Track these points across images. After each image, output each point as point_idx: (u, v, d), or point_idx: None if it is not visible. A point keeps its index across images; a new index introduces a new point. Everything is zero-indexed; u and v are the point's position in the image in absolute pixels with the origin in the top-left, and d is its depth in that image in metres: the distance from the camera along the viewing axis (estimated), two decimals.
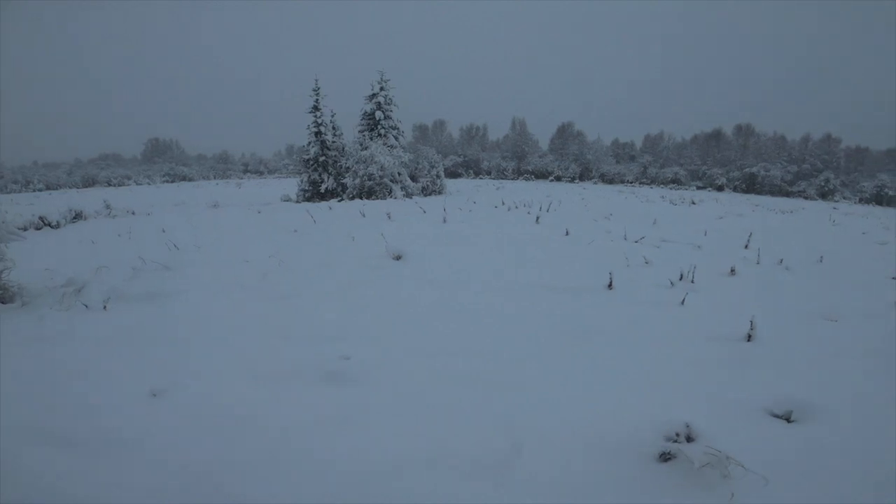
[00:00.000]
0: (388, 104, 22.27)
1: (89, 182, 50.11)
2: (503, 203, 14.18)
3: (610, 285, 4.83)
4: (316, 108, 21.35)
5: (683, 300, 4.43)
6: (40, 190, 44.08)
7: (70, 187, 46.34)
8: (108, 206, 15.61)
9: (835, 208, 30.86)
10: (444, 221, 9.42)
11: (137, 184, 49.96)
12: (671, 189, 48.27)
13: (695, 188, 51.33)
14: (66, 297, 4.28)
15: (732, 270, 5.75)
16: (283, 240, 7.68)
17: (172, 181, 54.22)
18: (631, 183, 55.14)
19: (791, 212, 21.55)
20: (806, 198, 47.49)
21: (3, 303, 4.29)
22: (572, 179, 56.19)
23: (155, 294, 4.42)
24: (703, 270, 5.51)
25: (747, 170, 52.68)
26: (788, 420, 2.63)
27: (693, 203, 21.91)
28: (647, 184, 54.96)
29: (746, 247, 7.91)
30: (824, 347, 3.67)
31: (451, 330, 3.69)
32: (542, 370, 3.09)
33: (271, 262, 5.93)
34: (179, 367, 3.00)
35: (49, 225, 12.25)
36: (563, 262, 5.94)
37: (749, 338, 3.68)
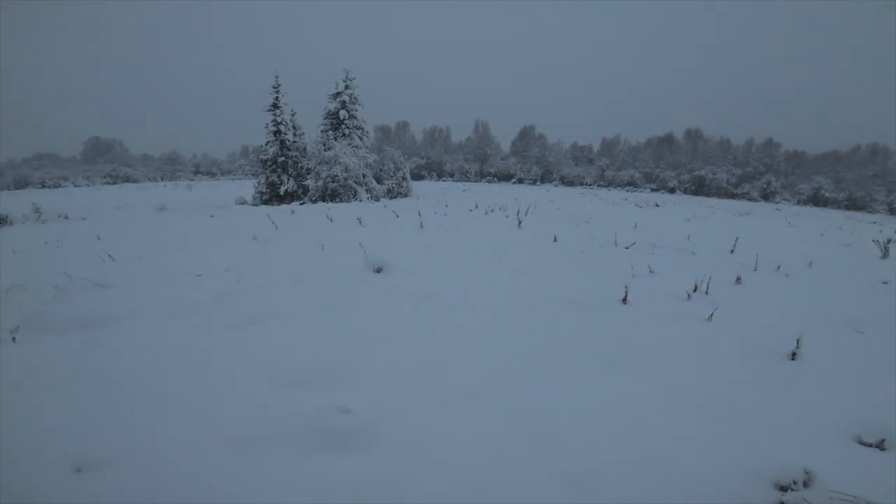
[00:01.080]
0: (353, 103, 21.36)
1: (21, 183, 46.00)
2: (477, 206, 13.68)
3: (625, 299, 4.35)
4: (275, 107, 20.16)
5: (711, 316, 4.01)
6: None
7: (0, 189, 42.21)
8: (37, 210, 13.95)
9: (778, 209, 32.56)
10: (421, 227, 8.77)
11: (75, 185, 46.19)
12: (628, 191, 49.79)
13: (649, 190, 53.22)
14: None
15: (739, 279, 5.44)
16: (241, 249, 6.80)
17: (114, 182, 50.56)
18: (590, 185, 56.55)
19: (747, 214, 22.33)
20: (750, 199, 50.13)
21: None
22: (534, 182, 56.91)
23: (85, 322, 3.54)
24: (708, 279, 5.16)
25: (696, 173, 55.13)
26: (881, 448, 2.33)
27: (657, 206, 22.29)
28: (605, 186, 56.53)
29: (732, 251, 7.75)
30: (866, 362, 3.35)
31: (466, 362, 3.07)
32: (587, 407, 2.55)
33: (229, 276, 5.10)
34: (115, 427, 2.21)
35: None
36: (564, 273, 5.45)
37: (794, 356, 3.29)
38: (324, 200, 18.52)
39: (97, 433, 2.18)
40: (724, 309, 4.25)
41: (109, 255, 5.88)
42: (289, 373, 2.81)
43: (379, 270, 5.37)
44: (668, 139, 65.43)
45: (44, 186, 44.55)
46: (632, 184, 55.88)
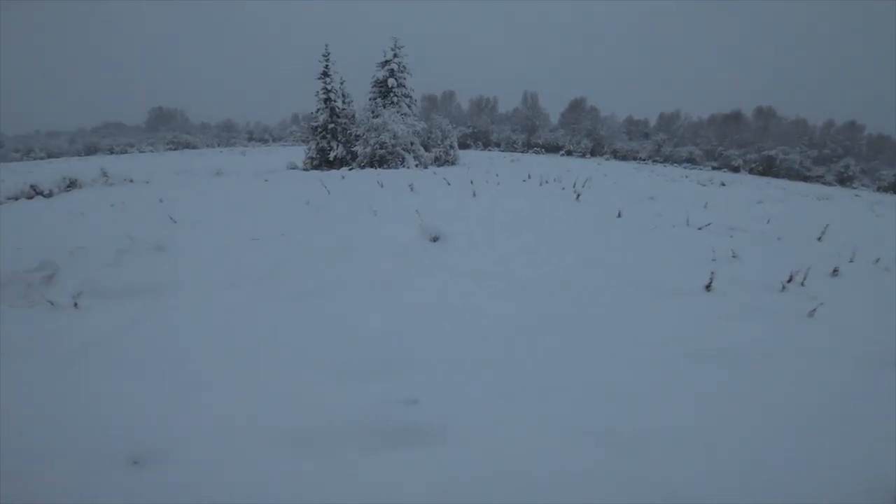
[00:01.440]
0: (402, 71, 20.94)
1: (91, 150, 49.21)
2: (530, 177, 13.09)
3: (708, 286, 3.89)
4: (325, 75, 20.09)
5: (813, 312, 3.49)
6: (41, 158, 43.23)
7: (72, 155, 45.37)
8: (105, 174, 14.63)
9: (857, 195, 29.49)
10: (474, 196, 8.42)
11: (140, 151, 48.83)
12: (686, 168, 46.80)
13: (710, 168, 49.80)
14: (33, 287, 3.38)
15: (835, 271, 4.79)
16: (295, 214, 6.74)
17: (176, 149, 52.99)
18: (644, 160, 53.60)
19: (826, 198, 20.35)
20: (824, 183, 45.88)
21: None
22: (583, 154, 54.61)
23: (140, 288, 3.51)
24: (806, 270, 4.55)
25: (766, 152, 50.95)
26: None
27: (723, 185, 20.70)
28: (661, 161, 53.40)
29: (820, 239, 6.92)
30: None
31: (538, 351, 2.77)
32: (681, 414, 2.20)
33: (284, 243, 5.00)
34: (170, 414, 2.09)
35: (41, 194, 11.32)
36: (635, 254, 4.98)
37: None
38: (371, 166, 18.52)
39: (149, 423, 2.06)
40: (825, 304, 3.71)
41: (171, 218, 5.95)
42: (348, 357, 2.62)
43: (435, 240, 5.11)
44: (736, 116, 60.68)
45: (111, 153, 47.39)
46: (691, 160, 52.57)
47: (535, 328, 3.07)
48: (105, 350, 2.62)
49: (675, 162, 52.75)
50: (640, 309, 3.45)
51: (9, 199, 10.27)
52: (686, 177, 25.90)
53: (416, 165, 18.96)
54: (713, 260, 4.82)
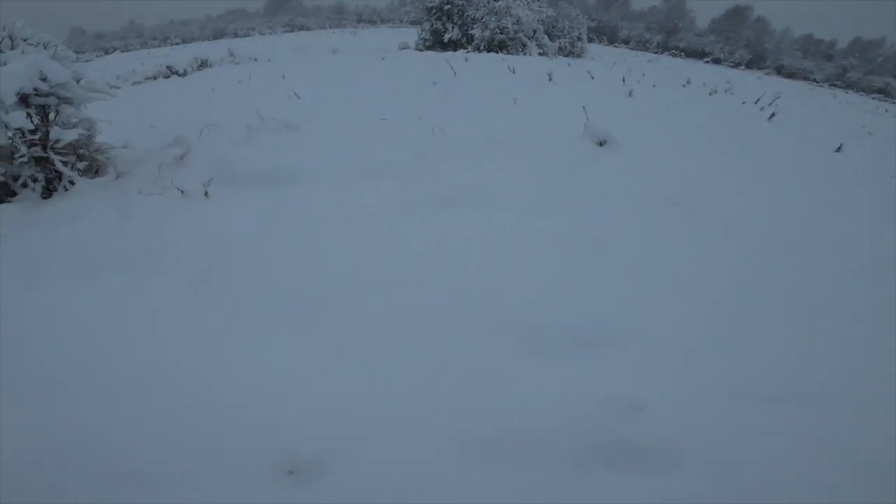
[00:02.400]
0: None
1: (218, 34, 52.14)
2: (689, 82, 10.47)
3: None
4: None
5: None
6: (176, 44, 46.80)
7: (202, 40, 48.35)
8: (231, 55, 14.80)
9: None
10: (630, 95, 6.71)
11: (260, 34, 50.33)
12: (876, 99, 36.13)
13: None
14: (164, 169, 3.02)
15: None
16: (422, 95, 5.82)
17: (292, 31, 53.85)
18: (818, 82, 42.47)
19: None
20: None
21: (90, 177, 3.14)
22: (736, 65, 44.80)
23: (273, 175, 2.97)
24: None
25: None
26: None
27: None
28: (842, 87, 41.88)
29: None
30: None
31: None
32: None
33: (419, 129, 4.18)
34: (331, 382, 1.57)
35: (177, 73, 11.69)
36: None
37: None
38: (489, 51, 16.67)
39: (299, 401, 1.51)
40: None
41: (295, 94, 5.40)
42: (532, 315, 1.89)
43: (602, 144, 3.94)
44: None
45: (236, 36, 49.69)
46: (883, 92, 40.86)
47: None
48: (232, 273, 2.14)
49: (862, 90, 41.10)
50: None
51: (147, 79, 10.69)
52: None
53: (540, 54, 16.78)
54: None
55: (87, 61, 11.88)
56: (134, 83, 10.05)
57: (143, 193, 2.74)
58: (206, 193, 2.69)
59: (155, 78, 10.73)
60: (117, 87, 8.56)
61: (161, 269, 2.11)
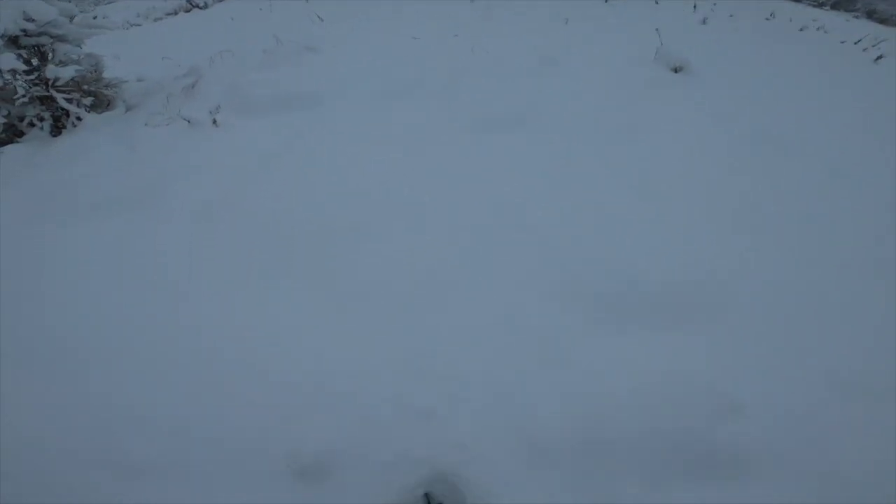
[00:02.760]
0: None
1: None
2: (773, 15, 8.78)
3: None
4: None
5: None
6: None
7: None
8: None
9: None
10: (704, 23, 5.61)
11: None
12: None
13: None
14: (173, 99, 2.71)
15: None
16: (459, 12, 5.13)
17: None
18: None
19: None
20: None
21: (99, 112, 2.91)
22: (820, 5, 37.49)
23: (290, 99, 2.60)
24: None
25: None
26: None
27: None
28: None
29: None
30: None
31: None
32: None
33: (457, 45, 3.63)
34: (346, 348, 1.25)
35: (197, 6, 11.17)
36: None
37: None
38: None
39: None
40: None
41: (318, 16, 4.89)
42: (588, 273, 1.57)
43: (677, 70, 3.21)
44: None
45: None
46: None
47: None
48: (239, 210, 1.83)
49: None
50: None
51: (168, 14, 10.24)
52: None
53: None
54: None
55: (110, 3, 11.54)
56: (155, 20, 9.67)
57: (149, 125, 2.46)
58: (214, 122, 2.37)
59: (175, 13, 10.30)
60: (138, 25, 8.21)
61: (164, 208, 1.85)
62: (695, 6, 5.90)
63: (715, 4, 9.15)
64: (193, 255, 1.64)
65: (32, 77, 2.70)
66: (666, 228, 1.79)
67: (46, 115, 2.76)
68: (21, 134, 2.78)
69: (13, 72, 2.63)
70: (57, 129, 2.79)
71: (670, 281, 1.58)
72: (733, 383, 1.31)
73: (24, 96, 2.65)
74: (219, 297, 1.51)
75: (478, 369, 1.32)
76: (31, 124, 2.76)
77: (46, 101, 2.75)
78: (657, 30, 3.45)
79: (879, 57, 4.28)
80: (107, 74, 3.13)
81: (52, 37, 2.72)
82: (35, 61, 2.73)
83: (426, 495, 1.12)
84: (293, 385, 1.29)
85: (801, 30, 5.27)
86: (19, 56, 2.64)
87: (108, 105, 3.03)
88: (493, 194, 1.93)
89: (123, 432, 1.23)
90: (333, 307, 1.47)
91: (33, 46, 2.70)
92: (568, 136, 2.29)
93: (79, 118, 2.77)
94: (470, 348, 1.38)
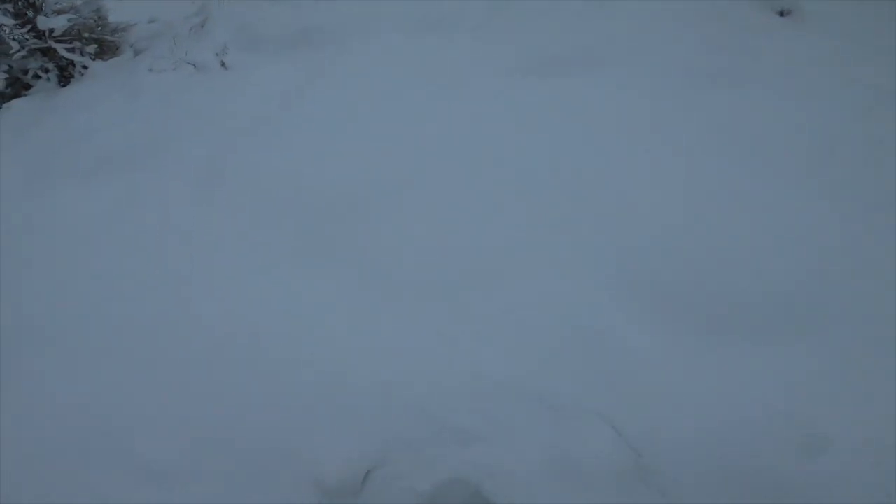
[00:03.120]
0: None
1: None
2: None
3: None
4: None
5: None
6: None
7: None
8: None
9: None
10: None
11: None
12: None
13: None
14: (180, 41, 2.43)
15: None
16: None
17: None
18: None
19: None
20: None
21: (107, 58, 2.69)
22: None
23: (305, 36, 2.24)
24: None
25: None
26: None
27: None
28: None
29: None
30: None
31: None
32: None
33: None
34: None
35: None
36: None
37: None
38: None
39: None
40: None
41: None
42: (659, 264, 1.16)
43: (784, 14, 2.53)
44: None
45: None
46: None
47: None
48: (242, 173, 1.56)
49: None
50: None
51: None
52: None
53: None
54: None
55: None
56: None
57: (154, 71, 2.20)
58: (222, 64, 2.09)
59: None
60: None
61: (164, 169, 1.62)
62: None
63: None
64: (194, 233, 1.39)
65: (26, 30, 2.50)
66: (776, 212, 1.35)
67: (51, 66, 2.57)
68: (28, 87, 2.62)
69: (2, 26, 2.44)
70: (65, 79, 2.62)
71: (774, 291, 1.20)
72: (818, 412, 0.99)
73: (20, 50, 2.46)
74: (229, 281, 1.28)
75: (523, 383, 1.05)
76: (37, 76, 2.59)
77: (49, 52, 2.57)
78: None
79: None
80: (113, 19, 2.90)
81: None
82: (31, 13, 2.53)
83: None
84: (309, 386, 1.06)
85: None
86: (5, 11, 2.42)
87: (117, 51, 2.81)
88: (553, 156, 1.53)
89: (134, 433, 1.06)
90: (374, 296, 1.19)
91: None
92: (652, 83, 1.79)
93: (85, 67, 2.57)
94: (514, 354, 1.09)
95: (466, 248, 1.26)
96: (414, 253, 1.27)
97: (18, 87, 2.62)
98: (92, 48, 2.62)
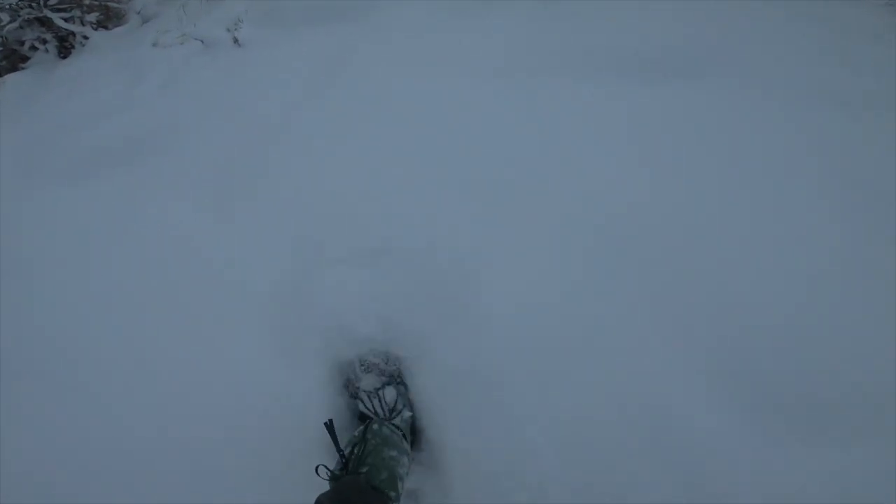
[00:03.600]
0: None
1: None
2: None
3: None
4: None
5: None
6: None
7: None
8: None
9: None
10: None
11: None
12: None
13: None
14: (190, 10, 2.12)
15: None
16: None
17: None
18: None
19: None
20: None
21: (111, 26, 2.41)
22: None
23: (337, 3, 1.91)
24: None
25: None
26: None
27: None
28: None
29: None
30: None
31: None
32: None
33: None
34: None
35: None
36: None
37: None
38: None
39: None
40: None
41: None
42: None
43: None
44: None
45: None
46: None
47: None
48: (260, 187, 1.26)
49: None
50: None
51: None
52: None
53: None
54: None
55: None
56: None
57: (158, 46, 1.91)
58: (235, 41, 1.78)
59: None
60: None
61: (164, 169, 1.36)
62: None
63: None
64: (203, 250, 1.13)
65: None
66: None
67: (49, 36, 2.30)
68: (25, 59, 2.36)
69: None
70: (65, 50, 2.36)
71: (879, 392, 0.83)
72: None
73: (12, 21, 2.20)
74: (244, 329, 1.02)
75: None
76: (34, 48, 2.32)
77: (47, 22, 2.29)
78: None
79: None
80: None
81: None
82: None
83: None
84: None
85: None
86: None
87: (123, 18, 2.52)
88: (626, 192, 1.08)
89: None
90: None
91: None
92: (772, 99, 1.30)
93: (85, 37, 2.30)
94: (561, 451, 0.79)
95: (553, 325, 0.95)
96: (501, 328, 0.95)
97: (15, 58, 2.37)
98: (93, 16, 2.34)
